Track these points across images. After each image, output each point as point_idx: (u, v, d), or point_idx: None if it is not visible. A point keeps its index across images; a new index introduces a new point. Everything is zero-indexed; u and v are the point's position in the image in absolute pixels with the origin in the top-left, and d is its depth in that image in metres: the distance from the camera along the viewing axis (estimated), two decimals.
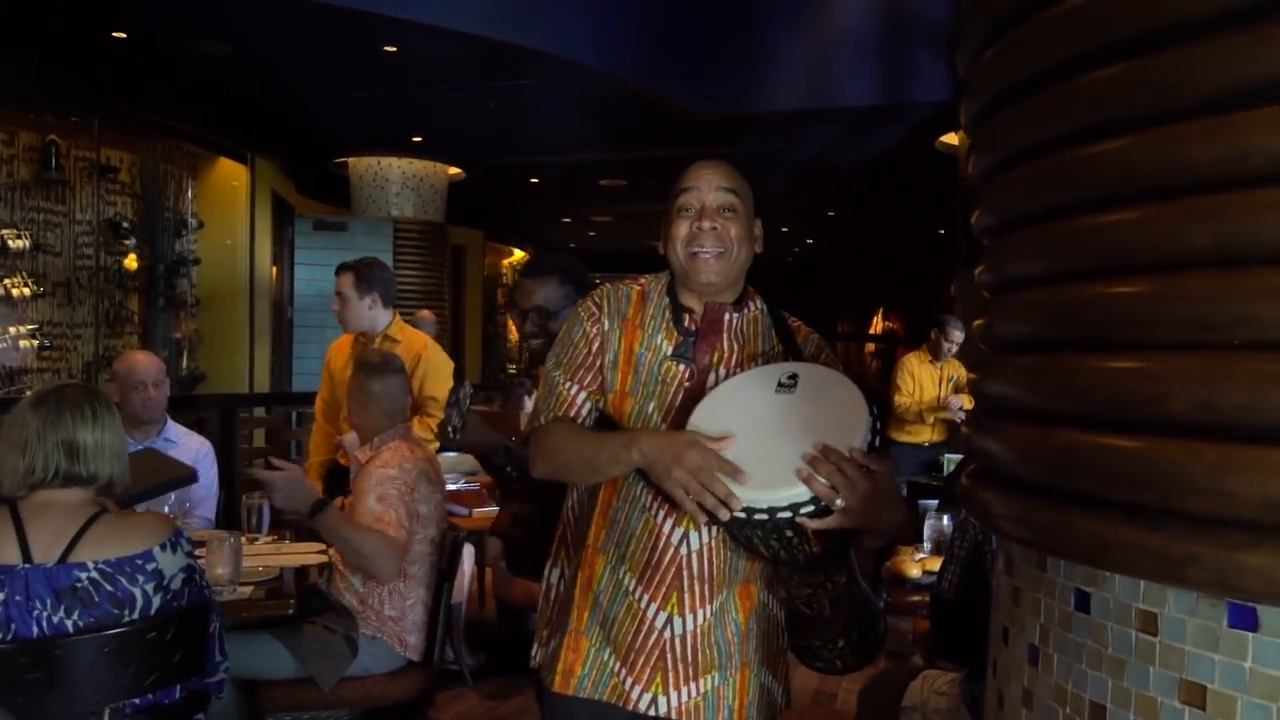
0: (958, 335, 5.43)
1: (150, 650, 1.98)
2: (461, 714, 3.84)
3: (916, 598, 3.30)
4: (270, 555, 3.12)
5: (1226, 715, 1.05)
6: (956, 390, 5.48)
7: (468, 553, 4.06)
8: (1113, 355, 1.14)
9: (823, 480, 1.36)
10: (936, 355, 5.53)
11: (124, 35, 5.34)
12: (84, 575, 1.90)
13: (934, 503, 4.06)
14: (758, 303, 1.81)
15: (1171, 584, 1.08)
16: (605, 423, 1.75)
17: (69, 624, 1.89)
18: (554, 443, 1.71)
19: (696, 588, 1.65)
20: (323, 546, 3.36)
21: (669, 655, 1.65)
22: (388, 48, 5.52)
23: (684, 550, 1.65)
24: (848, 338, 16.84)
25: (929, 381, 5.54)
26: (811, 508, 1.37)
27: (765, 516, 1.39)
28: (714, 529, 1.60)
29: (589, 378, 1.75)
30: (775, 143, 7.73)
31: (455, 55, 5.62)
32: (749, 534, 1.45)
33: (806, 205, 10.92)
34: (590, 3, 5.76)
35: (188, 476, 3.08)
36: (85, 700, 1.91)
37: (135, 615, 1.95)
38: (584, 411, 1.74)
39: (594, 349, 1.75)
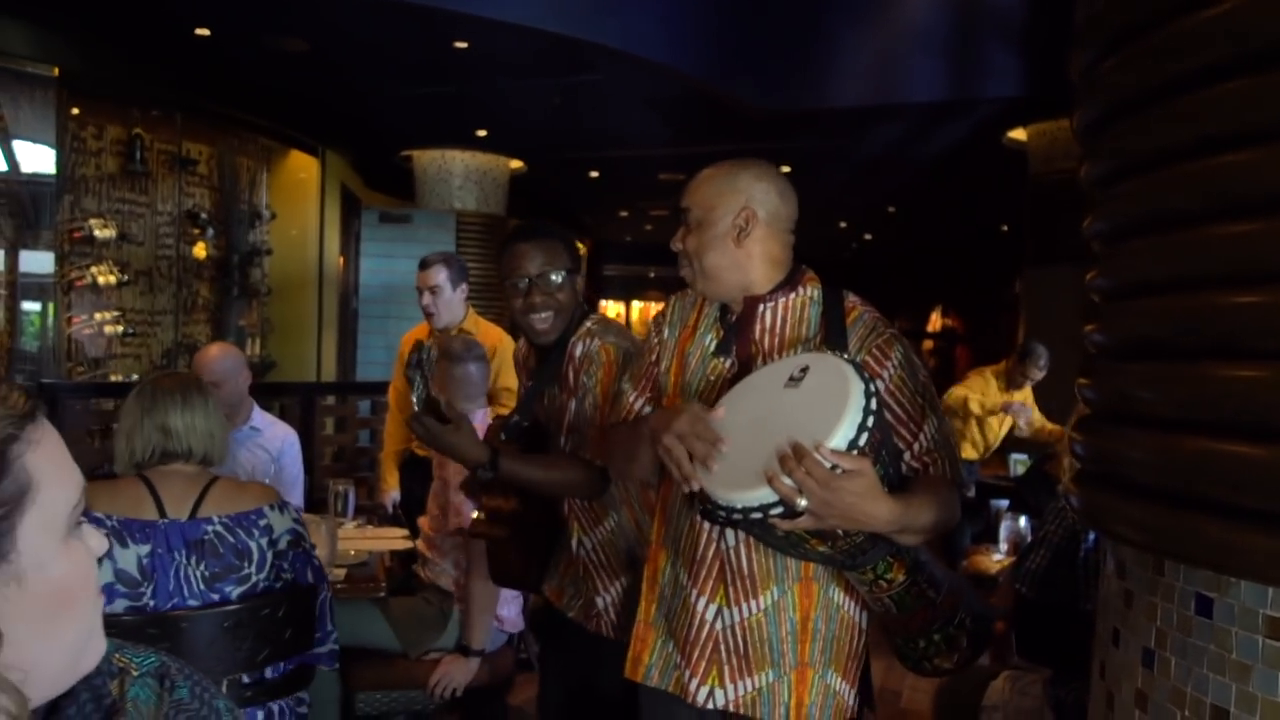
0: (1037, 373, 5.06)
1: (264, 626, 2.09)
2: (533, 699, 3.91)
3: (993, 598, 3.28)
4: (359, 540, 3.22)
5: None
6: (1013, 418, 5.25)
7: None
8: (1243, 364, 1.15)
9: (787, 481, 1.31)
10: (1011, 383, 5.18)
11: (207, 33, 5.47)
12: (210, 528, 2.06)
13: (1005, 503, 4.03)
14: (809, 289, 1.75)
15: None
16: None
17: (197, 573, 2.04)
18: (605, 448, 1.83)
19: (740, 582, 1.66)
20: (406, 532, 3.46)
21: (721, 648, 1.67)
22: (458, 44, 5.57)
23: (724, 545, 1.66)
24: (905, 335, 16.64)
25: (980, 388, 5.27)
26: (780, 509, 1.33)
27: (740, 516, 1.37)
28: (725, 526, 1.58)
29: (648, 386, 1.85)
30: (839, 139, 7.67)
31: (524, 51, 5.65)
32: (746, 532, 1.46)
33: (867, 201, 10.82)
34: (663, 3, 5.78)
35: None
36: (207, 672, 2.00)
37: (253, 568, 2.10)
38: (639, 414, 1.84)
39: (654, 358, 1.85)
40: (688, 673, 1.69)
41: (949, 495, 1.53)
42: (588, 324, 2.12)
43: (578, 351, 2.07)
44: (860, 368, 1.43)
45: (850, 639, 1.69)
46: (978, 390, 5.22)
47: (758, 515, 1.35)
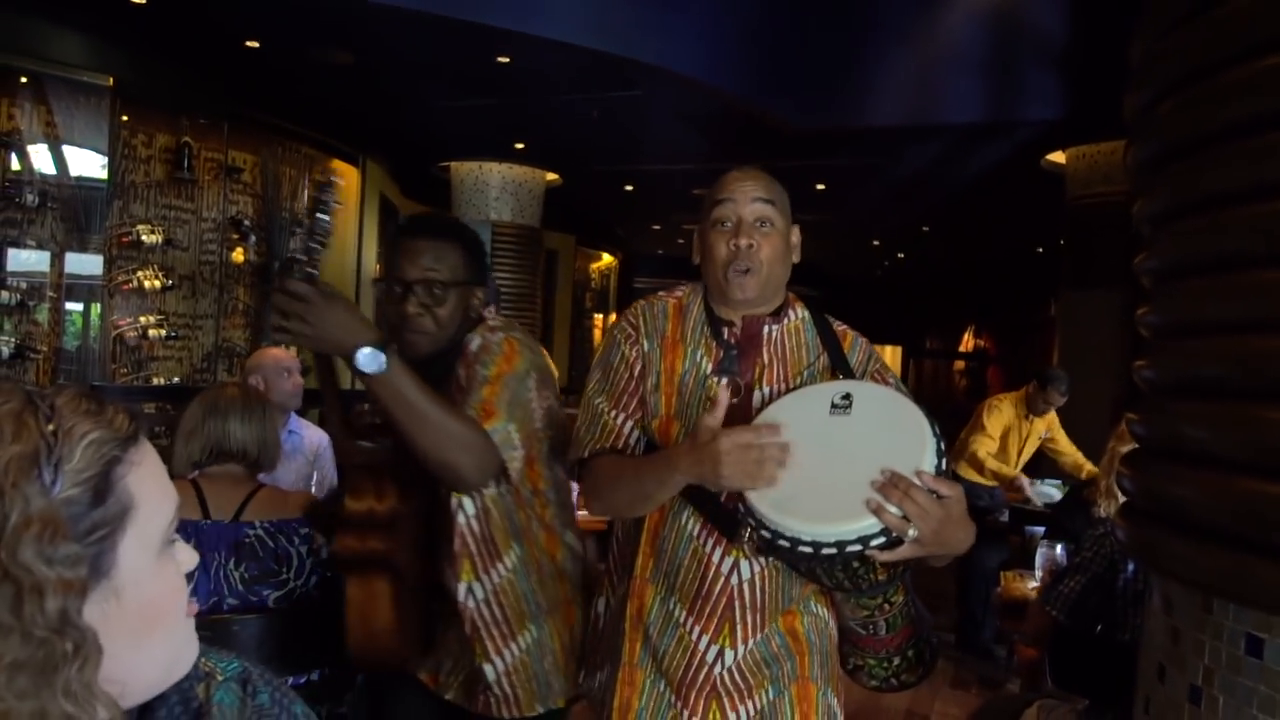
0: (1058, 399, 5.01)
1: (310, 631, 2.10)
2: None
3: (1022, 624, 3.27)
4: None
5: None
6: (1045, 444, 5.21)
7: None
8: None
9: (893, 510, 1.24)
10: (1032, 409, 5.12)
11: (256, 45, 5.57)
12: (251, 532, 2.10)
13: (1040, 529, 4.00)
14: (799, 311, 1.69)
15: None
16: (651, 447, 1.64)
17: (237, 575, 2.07)
18: (602, 481, 1.61)
19: (749, 618, 1.57)
20: None
21: (720, 687, 1.58)
22: (501, 59, 5.61)
23: (735, 580, 1.56)
24: (936, 354, 16.52)
25: (1013, 437, 5.17)
26: (882, 539, 1.26)
27: (834, 551, 1.27)
28: (766, 557, 1.50)
29: (633, 404, 1.63)
30: (875, 157, 7.64)
31: (565, 67, 5.67)
32: (812, 566, 1.35)
33: (901, 220, 10.75)
34: (700, 18, 5.80)
35: None
36: None
37: (290, 573, 2.13)
38: (632, 441, 1.62)
39: (635, 373, 1.64)
40: (685, 712, 1.58)
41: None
42: (489, 321, 1.81)
43: (474, 345, 1.72)
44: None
45: (834, 656, 1.65)
46: (996, 431, 5.12)
47: (855, 548, 1.27)
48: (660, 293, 1.74)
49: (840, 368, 1.61)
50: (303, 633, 2.12)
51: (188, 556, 0.81)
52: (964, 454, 5.11)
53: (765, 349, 1.63)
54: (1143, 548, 1.42)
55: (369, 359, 1.40)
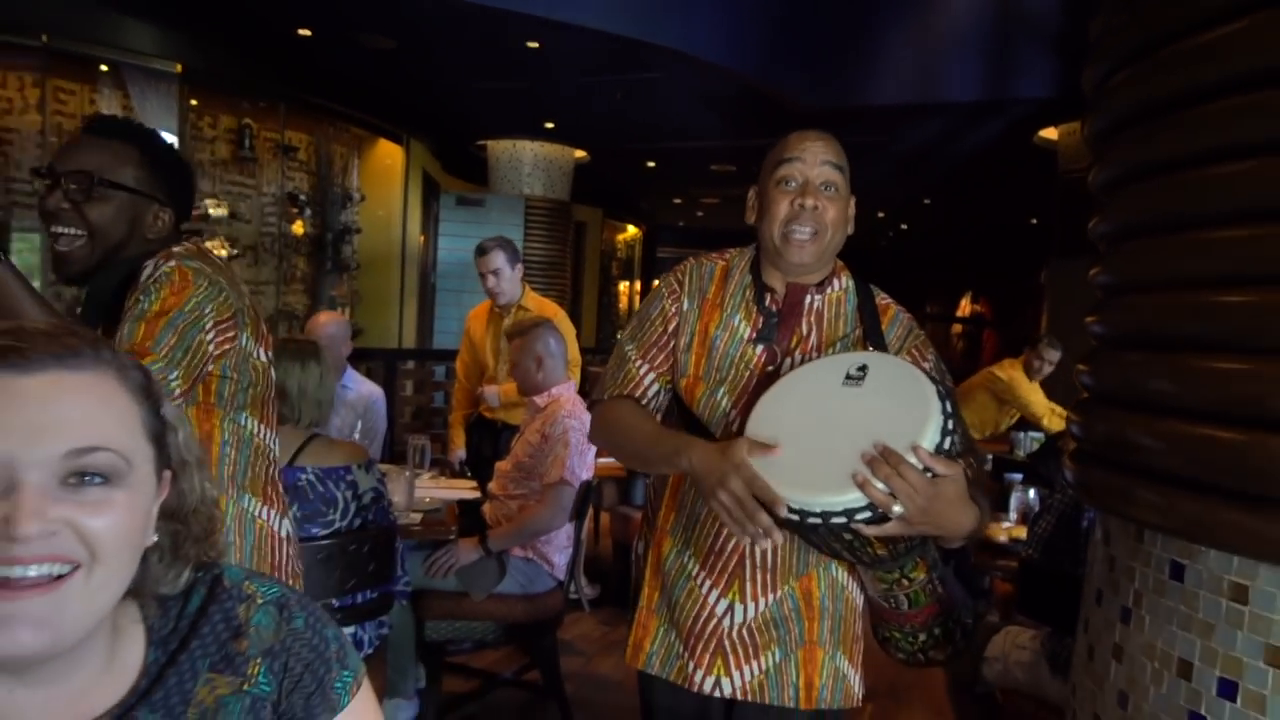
0: (1053, 355, 4.96)
1: (350, 560, 2.19)
2: (581, 635, 4.00)
3: (1004, 562, 3.28)
4: (433, 489, 3.33)
5: None
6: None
7: None
8: (1221, 357, 1.17)
9: (880, 485, 1.13)
10: (1030, 374, 5.04)
11: (309, 33, 5.58)
12: (303, 476, 2.15)
13: (1018, 476, 4.00)
14: (843, 280, 1.56)
15: (1264, 560, 1.12)
16: (678, 404, 1.57)
17: (291, 514, 2.12)
18: (614, 425, 1.53)
19: (759, 577, 1.48)
20: (475, 484, 3.56)
21: (726, 641, 1.50)
22: (531, 44, 5.59)
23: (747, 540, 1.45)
24: (935, 319, 16.37)
25: (1024, 384, 5.07)
26: (867, 514, 1.15)
27: (819, 521, 1.17)
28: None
29: (660, 358, 1.55)
30: (879, 134, 7.55)
31: (591, 51, 5.64)
32: (808, 534, 1.25)
33: (904, 193, 10.64)
34: (715, 4, 5.74)
35: None
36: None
37: (336, 515, 2.18)
38: (650, 393, 1.54)
39: (670, 329, 1.55)
40: (691, 664, 1.51)
41: (984, 498, 1.33)
42: (175, 248, 1.47)
43: (144, 274, 1.41)
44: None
45: (854, 620, 1.53)
46: (1024, 383, 5.04)
47: (840, 520, 1.17)
48: (714, 254, 1.62)
49: (874, 341, 1.48)
50: (347, 561, 2.18)
51: (28, 515, 0.67)
52: (997, 411, 5.10)
53: (806, 318, 1.51)
54: (1087, 486, 1.44)
55: None
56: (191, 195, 1.58)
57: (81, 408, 0.70)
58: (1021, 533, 3.24)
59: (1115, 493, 1.35)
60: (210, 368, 1.42)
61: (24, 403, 0.67)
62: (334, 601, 2.16)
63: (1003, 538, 3.31)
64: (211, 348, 1.38)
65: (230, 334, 1.42)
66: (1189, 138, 1.25)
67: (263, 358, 1.52)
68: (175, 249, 1.45)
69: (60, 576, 0.66)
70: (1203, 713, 1.20)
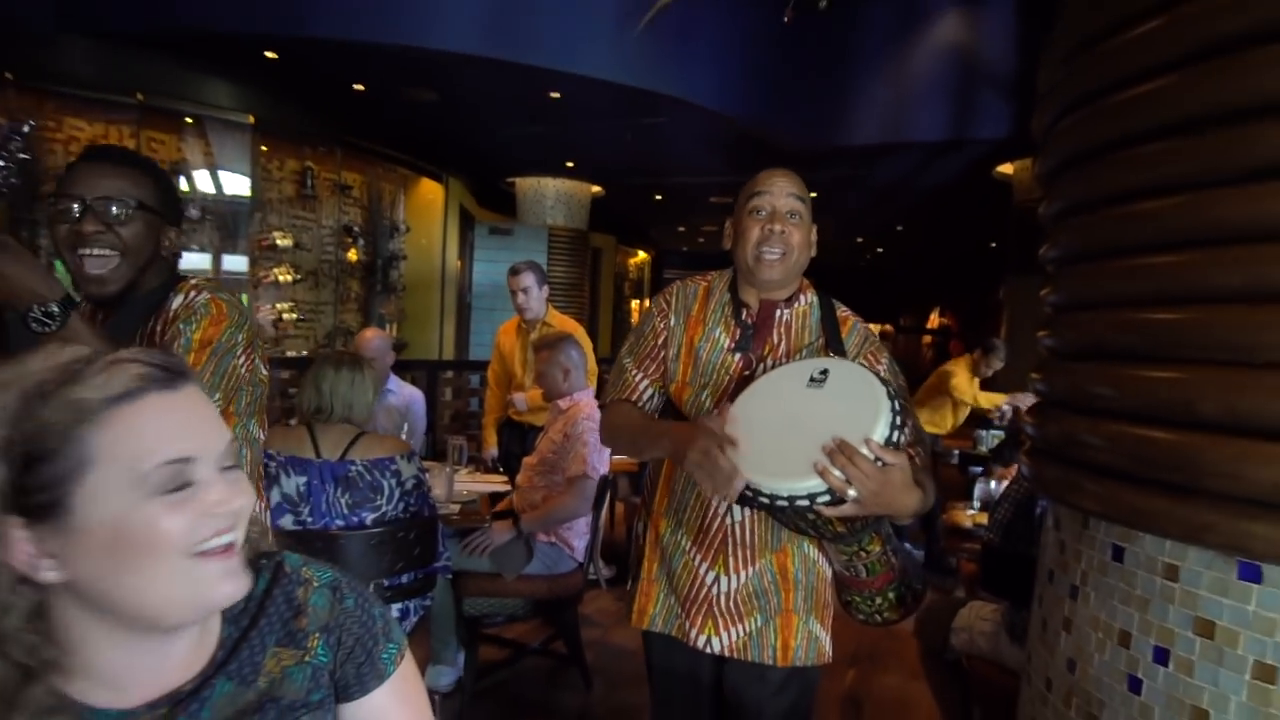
0: (997, 363, 4.92)
1: (398, 545, 2.20)
2: (599, 609, 3.99)
3: (969, 545, 3.27)
4: (470, 483, 3.34)
5: (1230, 644, 1.09)
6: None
7: None
8: (1155, 366, 1.17)
9: (836, 473, 1.16)
10: (976, 373, 5.01)
11: (362, 88, 5.63)
12: (353, 468, 2.15)
13: (980, 469, 4.00)
14: (809, 296, 1.58)
15: (1193, 544, 1.12)
16: (670, 406, 1.60)
17: (342, 501, 2.12)
18: (615, 423, 1.58)
19: (739, 552, 1.52)
20: (506, 478, 3.57)
21: (716, 607, 1.53)
22: (553, 94, 5.60)
23: (729, 521, 1.51)
24: (908, 330, 16.30)
25: (965, 379, 5.03)
26: (827, 497, 1.18)
27: (785, 503, 1.21)
28: (741, 505, 1.39)
29: (653, 367, 1.59)
30: (857, 170, 7.55)
31: (605, 100, 5.63)
32: (778, 514, 1.28)
33: (879, 221, 10.64)
34: (712, 58, 5.75)
35: None
36: (359, 577, 2.12)
37: (383, 500, 2.18)
38: (645, 395, 1.58)
39: (660, 342, 1.59)
40: (687, 623, 1.55)
41: (931, 481, 1.37)
42: (192, 280, 1.46)
43: (175, 303, 1.40)
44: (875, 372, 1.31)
45: (824, 589, 1.56)
46: (965, 379, 5.02)
47: (804, 503, 1.20)
48: (697, 277, 1.65)
49: (835, 348, 1.50)
50: (395, 546, 2.19)
51: (222, 496, 0.72)
52: (948, 408, 4.98)
53: (776, 329, 1.54)
54: (1040, 479, 1.43)
55: (39, 318, 1.14)
56: (182, 213, 1.49)
57: (210, 413, 0.76)
58: (984, 519, 3.24)
59: (1064, 485, 1.35)
60: (242, 386, 1.45)
61: (185, 414, 0.73)
62: (384, 581, 2.16)
63: (968, 524, 3.31)
64: (243, 370, 1.41)
65: (252, 355, 1.44)
66: (1121, 177, 1.25)
67: (264, 370, 1.51)
68: (193, 280, 1.44)
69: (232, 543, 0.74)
70: (1140, 676, 1.20)
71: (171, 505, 0.68)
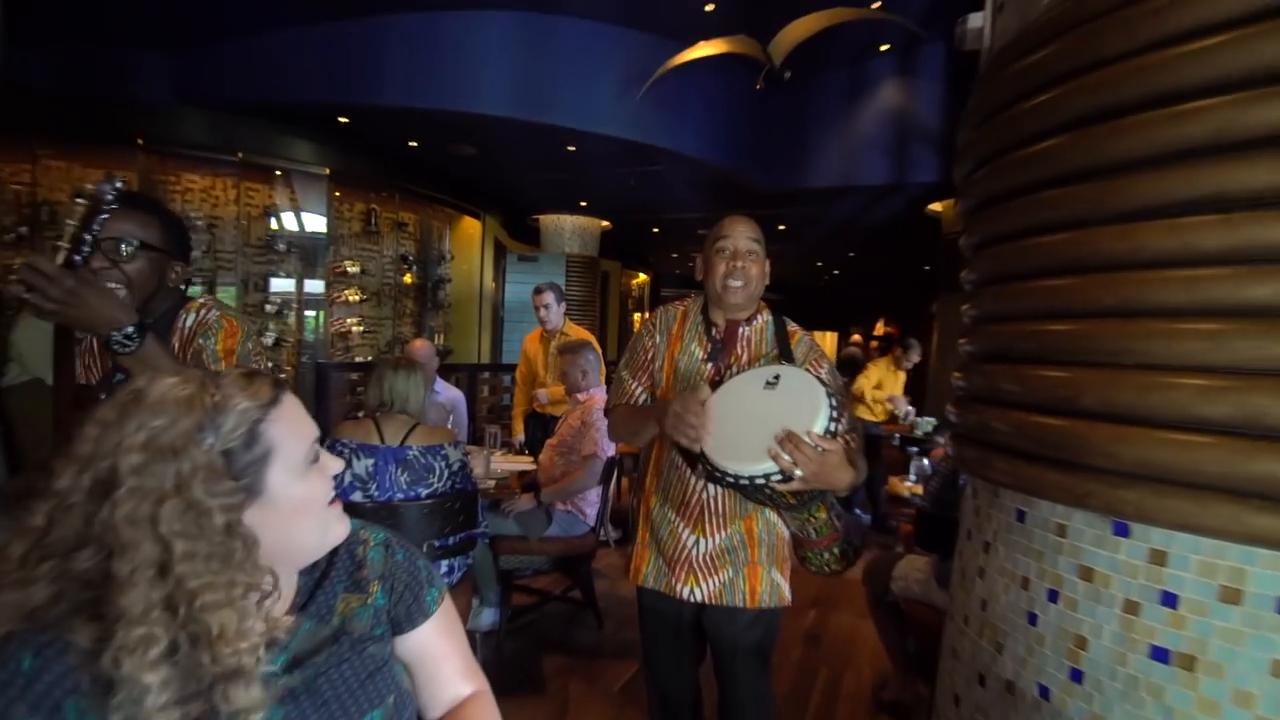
0: (915, 357, 5.06)
1: (446, 513, 2.22)
2: (608, 565, 4.01)
3: (907, 510, 3.29)
4: (503, 463, 3.36)
5: (1105, 586, 1.10)
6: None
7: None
8: (1051, 367, 1.19)
9: (786, 458, 1.19)
10: (898, 365, 5.15)
11: (416, 144, 5.68)
12: (411, 453, 2.16)
13: (916, 449, 4.00)
14: (765, 315, 1.60)
15: (1077, 508, 1.14)
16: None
17: (402, 479, 2.13)
18: (618, 421, 1.61)
19: (714, 519, 1.55)
20: (532, 460, 3.58)
21: (696, 563, 1.55)
22: (570, 148, 5.64)
23: (704, 495, 1.55)
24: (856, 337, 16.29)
25: (889, 380, 5.19)
26: (779, 476, 1.21)
27: (747, 482, 1.24)
28: (712, 484, 1.43)
29: (644, 376, 1.63)
30: (816, 207, 7.57)
31: (612, 152, 5.69)
32: (741, 490, 1.30)
33: (835, 249, 10.64)
34: (699, 118, 5.79)
35: None
36: (415, 539, 2.15)
37: (435, 479, 2.20)
38: (639, 398, 1.62)
39: (649, 356, 1.62)
40: (673, 578, 1.57)
41: (863, 460, 1.39)
42: (199, 300, 1.38)
43: (187, 321, 1.35)
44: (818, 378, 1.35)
45: (782, 546, 1.59)
46: (874, 379, 5.14)
47: (761, 480, 1.23)
48: (676, 302, 1.68)
49: (786, 357, 1.54)
50: (444, 514, 2.21)
51: (335, 463, 0.78)
52: (859, 399, 5.05)
53: (740, 344, 1.57)
54: (962, 458, 1.43)
55: (121, 340, 1.09)
56: (190, 248, 1.39)
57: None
58: (919, 490, 3.26)
59: (980, 462, 1.36)
60: None
61: (300, 408, 0.77)
62: (434, 542, 2.18)
63: (906, 493, 3.32)
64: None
65: (262, 360, 1.41)
66: (1022, 217, 1.26)
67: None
68: (203, 299, 1.37)
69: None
70: (1036, 612, 1.21)
71: (315, 473, 0.75)
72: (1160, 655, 1.04)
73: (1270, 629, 0.96)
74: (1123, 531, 1.09)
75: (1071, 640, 1.15)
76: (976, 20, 1.56)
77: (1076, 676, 1.14)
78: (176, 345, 1.33)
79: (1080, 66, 1.12)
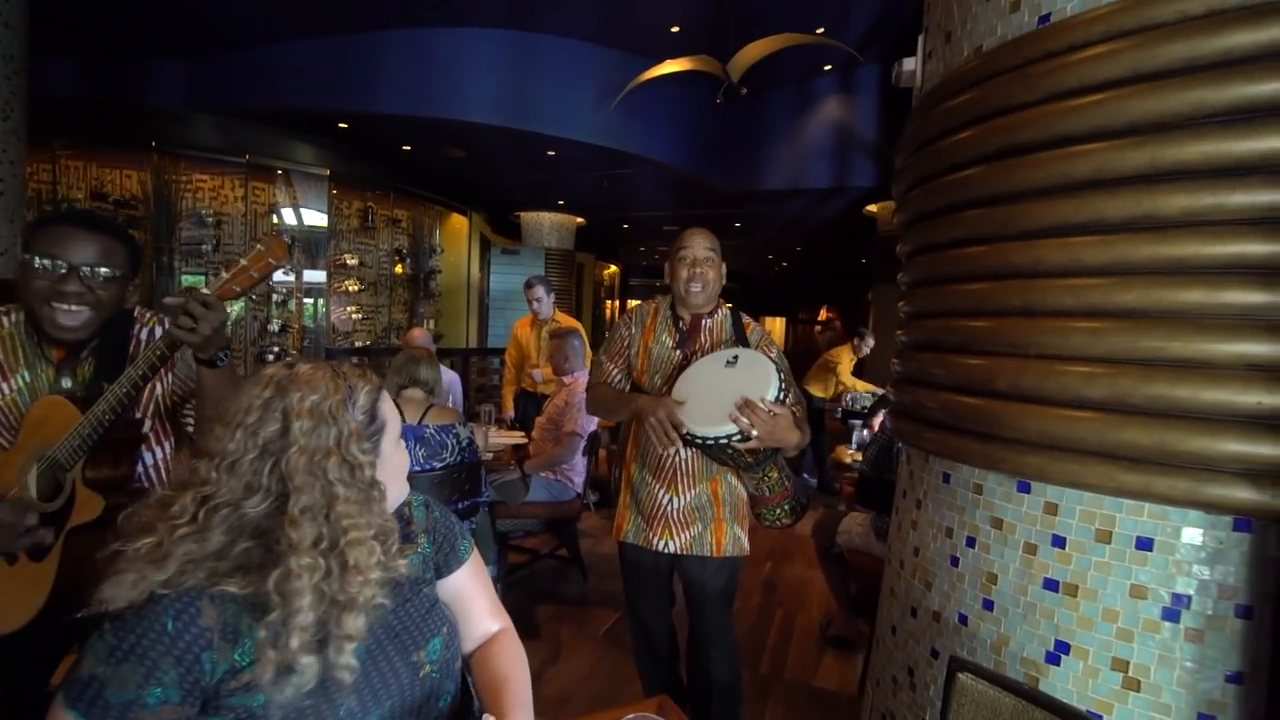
0: (870, 344, 5.12)
1: (455, 483, 2.25)
2: (591, 525, 4.05)
3: (849, 474, 3.40)
4: (496, 437, 3.39)
5: (1011, 533, 1.19)
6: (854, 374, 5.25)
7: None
8: (971, 356, 1.26)
9: (744, 420, 1.29)
10: (855, 353, 5.17)
11: (409, 148, 5.57)
12: (428, 430, 2.19)
13: (858, 422, 4.13)
14: (723, 310, 1.68)
15: (991, 470, 1.22)
16: (633, 386, 1.70)
17: (419, 454, 2.16)
18: (598, 397, 1.66)
19: (685, 480, 1.60)
20: (522, 434, 3.57)
21: (670, 518, 1.60)
22: (550, 152, 5.60)
23: (677, 459, 1.60)
24: (804, 321, 16.47)
25: (846, 364, 5.21)
26: (739, 436, 1.30)
27: (712, 442, 1.32)
28: (685, 447, 1.49)
29: (620, 361, 1.69)
30: (768, 207, 7.63)
31: (587, 156, 5.66)
32: (708, 450, 1.38)
33: (785, 243, 10.74)
34: (666, 127, 5.79)
35: None
36: None
37: (447, 454, 2.23)
38: (616, 380, 1.68)
39: (625, 344, 1.69)
40: (650, 533, 1.62)
41: (807, 426, 1.44)
42: (149, 314, 1.28)
43: (142, 334, 1.25)
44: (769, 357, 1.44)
45: (742, 505, 1.64)
46: (846, 364, 5.19)
47: (724, 441, 1.31)
48: (648, 300, 1.74)
49: (742, 342, 1.62)
50: (452, 484, 2.23)
51: (404, 455, 0.85)
52: (833, 380, 5.03)
53: (703, 333, 1.63)
54: (898, 430, 1.48)
55: (221, 357, 1.08)
56: (139, 268, 1.27)
57: None
58: (859, 456, 3.39)
59: (913, 434, 1.40)
60: None
61: (390, 399, 0.82)
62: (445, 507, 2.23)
63: (848, 459, 3.44)
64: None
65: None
66: (948, 232, 1.31)
67: None
68: (150, 312, 1.27)
69: None
70: (957, 555, 1.29)
71: (401, 445, 0.82)
72: (1051, 585, 1.14)
73: (1131, 561, 1.07)
74: (1025, 489, 1.18)
75: (985, 577, 1.23)
76: (910, 64, 1.63)
77: (989, 605, 1.22)
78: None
79: (991, 112, 1.20)
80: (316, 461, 0.71)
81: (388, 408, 0.80)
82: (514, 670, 0.89)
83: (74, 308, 1.12)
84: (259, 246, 1.00)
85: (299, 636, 0.68)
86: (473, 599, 0.93)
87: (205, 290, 1.01)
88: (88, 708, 0.64)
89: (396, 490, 0.82)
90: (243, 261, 1.00)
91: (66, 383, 1.17)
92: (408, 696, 0.79)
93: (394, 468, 0.80)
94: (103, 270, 1.13)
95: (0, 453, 1.12)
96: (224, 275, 1.01)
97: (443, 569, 0.91)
